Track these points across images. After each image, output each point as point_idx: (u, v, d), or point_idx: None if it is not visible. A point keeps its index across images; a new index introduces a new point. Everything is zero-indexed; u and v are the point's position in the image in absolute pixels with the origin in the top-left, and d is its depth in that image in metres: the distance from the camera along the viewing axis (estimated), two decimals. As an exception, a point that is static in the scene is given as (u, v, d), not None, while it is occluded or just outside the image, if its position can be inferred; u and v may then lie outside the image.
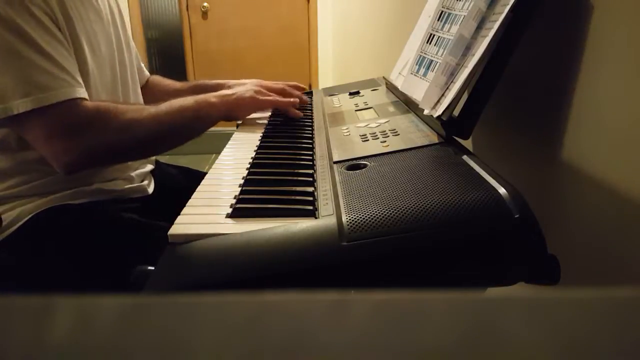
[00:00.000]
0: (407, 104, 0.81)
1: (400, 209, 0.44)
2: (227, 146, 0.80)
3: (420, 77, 0.71)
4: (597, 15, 0.51)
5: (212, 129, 0.89)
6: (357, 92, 1.03)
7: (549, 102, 0.61)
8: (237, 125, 0.95)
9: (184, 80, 1.20)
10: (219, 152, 0.77)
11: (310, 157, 0.69)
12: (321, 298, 0.14)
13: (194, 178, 0.71)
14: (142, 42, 3.19)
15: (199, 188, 0.60)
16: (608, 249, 0.51)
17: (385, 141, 0.66)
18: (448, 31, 0.66)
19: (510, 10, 0.53)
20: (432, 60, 0.68)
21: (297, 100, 0.98)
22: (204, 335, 0.13)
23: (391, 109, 0.83)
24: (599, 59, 0.51)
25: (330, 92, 1.11)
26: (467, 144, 0.68)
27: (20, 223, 0.79)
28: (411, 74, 0.74)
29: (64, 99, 0.72)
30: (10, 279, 0.79)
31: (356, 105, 0.92)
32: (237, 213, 0.51)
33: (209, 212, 0.53)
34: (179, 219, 0.51)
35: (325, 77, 3.24)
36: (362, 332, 0.13)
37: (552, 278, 0.42)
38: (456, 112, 0.59)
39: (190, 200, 0.56)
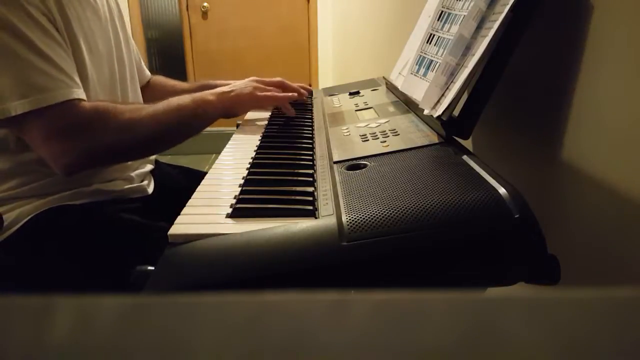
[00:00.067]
0: (407, 104, 0.81)
1: (400, 209, 0.44)
2: (227, 146, 0.80)
3: (420, 77, 0.71)
4: (597, 15, 0.51)
5: (212, 128, 0.89)
6: (357, 92, 1.03)
7: (549, 102, 0.61)
8: (237, 125, 0.95)
9: (184, 80, 1.20)
10: (219, 152, 0.77)
11: (310, 157, 0.69)
12: (321, 298, 0.14)
13: (194, 178, 0.71)
14: (142, 42, 3.19)
15: (199, 188, 0.60)
16: (608, 249, 0.51)
17: (385, 141, 0.66)
18: (448, 31, 0.66)
19: (510, 10, 0.53)
20: (432, 60, 0.68)
21: (295, 94, 0.97)
22: (204, 335, 0.13)
23: (391, 109, 0.83)
24: (599, 59, 0.51)
25: (330, 92, 1.11)
26: (467, 144, 0.68)
27: (20, 224, 0.79)
28: (411, 74, 0.74)
29: (61, 100, 0.72)
30: (11, 279, 0.79)
31: (356, 105, 0.92)
32: (237, 213, 0.51)
33: (209, 212, 0.53)
34: (179, 219, 0.51)
35: (325, 77, 3.24)
36: (362, 332, 0.13)
37: (552, 278, 0.42)
38: (456, 112, 0.59)
39: (190, 200, 0.56)
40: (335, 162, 0.63)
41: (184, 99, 0.84)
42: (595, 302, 0.14)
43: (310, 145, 0.76)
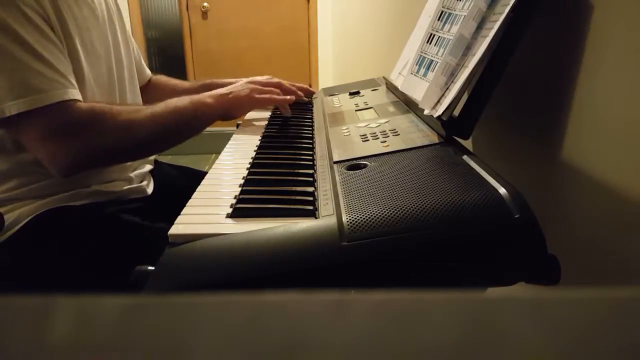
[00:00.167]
0: (407, 104, 0.81)
1: (401, 209, 0.44)
2: (227, 146, 0.80)
3: (420, 77, 0.71)
4: (597, 15, 0.51)
5: (212, 128, 0.89)
6: (357, 92, 1.03)
7: (549, 102, 0.61)
8: (237, 125, 0.95)
9: (184, 80, 1.20)
10: (219, 152, 0.77)
11: (311, 157, 0.69)
12: (321, 298, 0.14)
13: (194, 178, 0.71)
14: (142, 42, 3.19)
15: (199, 188, 0.60)
16: (608, 249, 0.51)
17: (385, 141, 0.66)
18: (448, 31, 0.66)
19: (511, 10, 0.53)
20: (432, 60, 0.68)
21: (293, 98, 0.97)
22: (203, 335, 0.13)
23: (391, 109, 0.83)
24: (599, 59, 0.51)
25: (330, 92, 1.11)
26: (467, 144, 0.68)
27: (20, 225, 0.79)
28: (411, 74, 0.74)
29: (56, 100, 0.72)
30: (11, 280, 0.78)
31: (356, 105, 0.92)
32: (237, 213, 0.51)
33: (209, 212, 0.53)
34: (179, 219, 0.51)
35: (325, 77, 3.24)
36: (362, 332, 0.13)
37: (552, 278, 0.42)
38: (456, 112, 0.59)
39: (190, 200, 0.56)
40: (336, 162, 0.63)
41: (182, 101, 0.84)
42: (595, 302, 0.14)
43: (311, 145, 0.76)
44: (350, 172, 0.58)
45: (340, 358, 0.12)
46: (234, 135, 0.87)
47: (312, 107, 1.03)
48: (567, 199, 0.58)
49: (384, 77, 1.05)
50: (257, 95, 0.92)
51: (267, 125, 0.92)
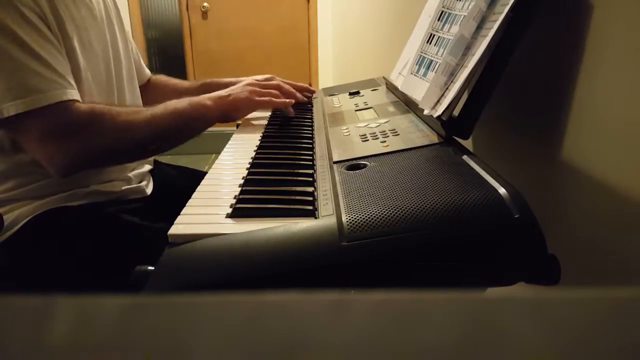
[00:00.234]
0: (407, 104, 0.81)
1: (400, 208, 0.44)
2: (227, 146, 0.80)
3: (420, 77, 0.71)
4: (597, 15, 0.51)
5: (212, 128, 0.89)
6: (357, 92, 1.03)
7: (549, 102, 0.61)
8: (237, 125, 0.95)
9: (184, 80, 1.20)
10: (219, 152, 0.77)
11: (310, 157, 0.69)
12: (321, 298, 0.14)
13: (194, 178, 0.71)
14: (142, 42, 3.19)
15: (199, 188, 0.60)
16: (608, 249, 0.51)
17: (385, 141, 0.66)
18: (448, 31, 0.66)
19: (510, 10, 0.53)
20: (432, 60, 0.68)
21: (292, 101, 0.97)
22: (203, 335, 0.13)
23: (391, 109, 0.83)
24: (599, 59, 0.51)
25: (330, 92, 1.11)
26: (467, 144, 0.68)
27: (19, 225, 0.79)
28: (411, 74, 0.74)
29: (55, 101, 0.72)
30: (10, 280, 0.78)
31: (356, 105, 0.92)
32: (237, 213, 0.51)
33: (209, 212, 0.53)
34: (179, 219, 0.51)
35: (325, 77, 3.24)
36: (362, 332, 0.13)
37: (552, 278, 0.42)
38: (456, 112, 0.59)
39: (190, 200, 0.56)
40: (335, 162, 0.63)
41: (182, 103, 0.84)
42: (595, 302, 0.14)
43: (310, 145, 0.76)
44: (350, 172, 0.58)
45: (340, 358, 0.12)
46: (233, 135, 0.87)
47: (312, 107, 1.03)
48: (567, 199, 0.58)
49: (384, 77, 1.05)
50: (256, 98, 0.92)
51: (267, 125, 0.92)
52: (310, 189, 0.56)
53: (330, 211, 0.49)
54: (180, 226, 0.49)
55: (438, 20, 0.71)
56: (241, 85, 0.95)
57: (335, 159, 0.64)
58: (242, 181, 0.61)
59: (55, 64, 0.74)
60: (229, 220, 0.50)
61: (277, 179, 0.62)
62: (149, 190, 0.97)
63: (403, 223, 0.43)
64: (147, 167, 1.01)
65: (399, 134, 0.68)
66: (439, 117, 0.60)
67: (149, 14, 3.17)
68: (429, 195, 0.46)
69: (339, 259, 0.42)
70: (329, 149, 0.69)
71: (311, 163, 0.67)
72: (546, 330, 0.13)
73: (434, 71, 0.65)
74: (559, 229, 0.58)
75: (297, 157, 0.70)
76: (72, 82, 0.76)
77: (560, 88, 0.57)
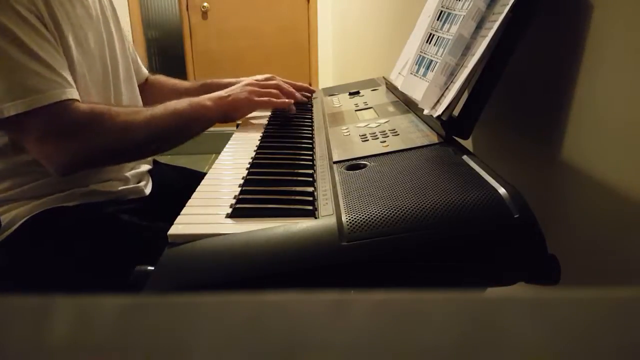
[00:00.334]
0: (407, 104, 0.81)
1: (400, 208, 0.44)
2: (227, 146, 0.80)
3: (420, 77, 0.71)
4: (597, 15, 0.51)
5: (212, 128, 0.89)
6: (357, 92, 1.03)
7: (548, 102, 0.61)
8: (237, 125, 0.95)
9: (184, 80, 1.20)
10: (219, 152, 0.77)
11: (310, 157, 0.69)
12: (321, 298, 0.14)
13: (193, 178, 0.71)
14: (142, 42, 3.19)
15: (198, 188, 0.60)
16: (608, 249, 0.51)
17: (385, 141, 0.66)
18: (448, 31, 0.66)
19: (510, 10, 0.53)
20: (431, 60, 0.68)
21: (292, 101, 0.97)
22: (204, 335, 0.13)
23: (391, 109, 0.83)
24: (599, 58, 0.51)
25: (330, 92, 1.11)
26: (467, 144, 0.68)
27: (16, 225, 0.79)
28: (411, 74, 0.74)
29: (54, 100, 0.72)
30: (9, 280, 0.78)
31: (356, 105, 0.92)
32: (237, 213, 0.51)
33: (209, 212, 0.53)
34: (179, 219, 0.51)
35: (325, 77, 3.24)
36: (362, 332, 0.13)
37: (552, 278, 0.42)
38: (456, 112, 0.59)
39: (190, 200, 0.56)
40: (335, 162, 0.63)
41: (182, 104, 0.84)
42: (595, 302, 0.14)
43: (310, 145, 0.76)
44: (350, 172, 0.58)
45: (340, 358, 0.12)
46: (233, 135, 0.87)
47: (312, 107, 1.03)
48: (567, 199, 0.58)
49: (383, 77, 1.05)
50: (256, 98, 0.92)
51: (267, 125, 0.92)
52: (310, 189, 0.56)
53: (330, 211, 0.49)
54: (180, 226, 0.49)
55: (437, 20, 0.71)
56: (241, 85, 0.95)
57: (335, 159, 0.64)
58: (242, 181, 0.61)
59: (54, 62, 0.73)
60: (229, 220, 0.50)
61: (277, 179, 0.62)
62: (147, 191, 0.97)
63: (403, 223, 0.43)
64: (146, 167, 1.01)
65: (398, 134, 0.68)
66: (438, 117, 0.60)
67: (149, 14, 3.17)
68: (429, 195, 0.46)
69: (338, 259, 0.42)
70: (329, 149, 0.69)
71: (311, 163, 0.67)
72: (546, 330, 0.13)
73: (433, 71, 0.65)
74: (559, 229, 0.58)
75: (297, 157, 0.70)
76: (71, 80, 0.76)
77: (560, 88, 0.57)
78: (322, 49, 3.26)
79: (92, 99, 0.84)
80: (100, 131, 0.77)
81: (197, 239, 0.47)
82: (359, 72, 2.07)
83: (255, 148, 0.77)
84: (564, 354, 0.12)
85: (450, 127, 0.60)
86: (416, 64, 0.73)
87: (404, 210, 0.44)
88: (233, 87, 0.94)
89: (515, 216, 0.41)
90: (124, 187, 0.91)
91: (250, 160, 0.70)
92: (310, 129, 0.86)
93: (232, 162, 0.72)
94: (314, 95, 1.13)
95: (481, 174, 0.49)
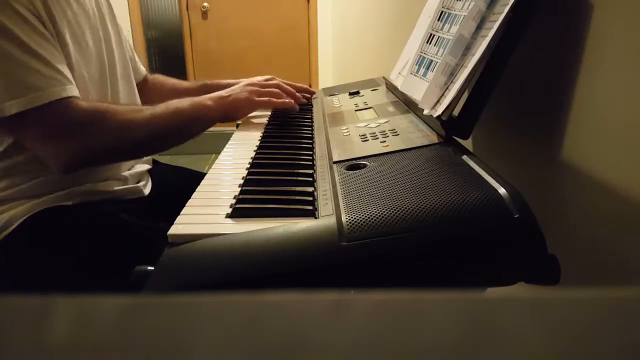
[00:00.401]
0: (407, 104, 0.81)
1: (400, 208, 0.44)
2: (227, 146, 0.80)
3: (420, 77, 0.70)
4: (597, 15, 0.51)
5: (212, 128, 0.89)
6: (357, 92, 1.03)
7: (548, 102, 0.61)
8: (237, 125, 0.95)
9: (184, 80, 1.20)
10: (219, 152, 0.77)
11: (310, 157, 0.69)
12: (321, 298, 0.14)
13: (193, 178, 0.71)
14: (142, 42, 3.19)
15: (198, 188, 0.60)
16: (608, 249, 0.51)
17: (385, 141, 0.66)
18: (448, 31, 0.66)
19: (510, 10, 0.53)
20: (432, 60, 0.68)
21: (292, 101, 0.97)
22: (204, 335, 0.13)
23: (391, 109, 0.83)
24: (599, 58, 0.51)
25: (330, 92, 1.11)
26: (467, 144, 0.68)
27: (15, 225, 0.79)
28: (411, 74, 0.74)
29: (55, 98, 0.72)
30: (8, 280, 0.78)
31: (356, 105, 0.92)
32: (236, 213, 0.51)
33: (209, 212, 0.53)
34: (179, 219, 0.51)
35: (325, 77, 3.24)
36: (362, 332, 0.13)
37: (552, 278, 0.42)
38: (456, 112, 0.59)
39: (190, 200, 0.56)
40: (335, 162, 0.63)
41: (183, 103, 0.84)
42: (595, 302, 0.14)
43: (310, 145, 0.76)
44: (350, 172, 0.58)
45: (340, 358, 0.12)
46: (233, 135, 0.87)
47: (312, 107, 1.03)
48: (567, 199, 0.58)
49: (383, 77, 1.05)
50: (256, 98, 0.92)
51: (267, 125, 0.92)
52: (310, 189, 0.56)
53: (330, 211, 0.49)
54: (180, 226, 0.49)
55: (438, 20, 0.71)
56: (241, 85, 0.95)
57: (335, 159, 0.64)
58: (242, 181, 0.61)
59: (53, 60, 0.74)
60: (229, 220, 0.50)
61: (277, 179, 0.62)
62: (147, 191, 0.97)
63: (403, 223, 0.43)
64: (145, 167, 1.01)
65: (398, 134, 0.68)
66: (438, 117, 0.60)
67: (149, 14, 3.17)
68: (429, 195, 0.46)
69: (338, 259, 0.42)
70: (328, 149, 0.69)
71: (311, 163, 0.67)
72: (546, 330, 0.13)
73: (433, 71, 0.65)
74: (559, 229, 0.58)
75: (297, 157, 0.70)
76: (71, 77, 0.76)
77: (560, 88, 0.57)
78: (322, 49, 3.26)
79: (90, 96, 0.84)
80: (101, 129, 0.77)
81: (197, 239, 0.47)
82: (359, 72, 2.07)
83: (255, 148, 0.77)
84: (564, 354, 0.12)
85: (450, 127, 0.60)
86: (416, 64, 0.73)
87: (403, 210, 0.44)
88: (233, 87, 0.94)
89: (515, 216, 0.41)
90: (123, 186, 0.91)
91: (250, 160, 0.70)
92: (310, 129, 0.86)
93: (232, 162, 0.72)
94: (314, 95, 1.13)
95: (481, 174, 0.49)
